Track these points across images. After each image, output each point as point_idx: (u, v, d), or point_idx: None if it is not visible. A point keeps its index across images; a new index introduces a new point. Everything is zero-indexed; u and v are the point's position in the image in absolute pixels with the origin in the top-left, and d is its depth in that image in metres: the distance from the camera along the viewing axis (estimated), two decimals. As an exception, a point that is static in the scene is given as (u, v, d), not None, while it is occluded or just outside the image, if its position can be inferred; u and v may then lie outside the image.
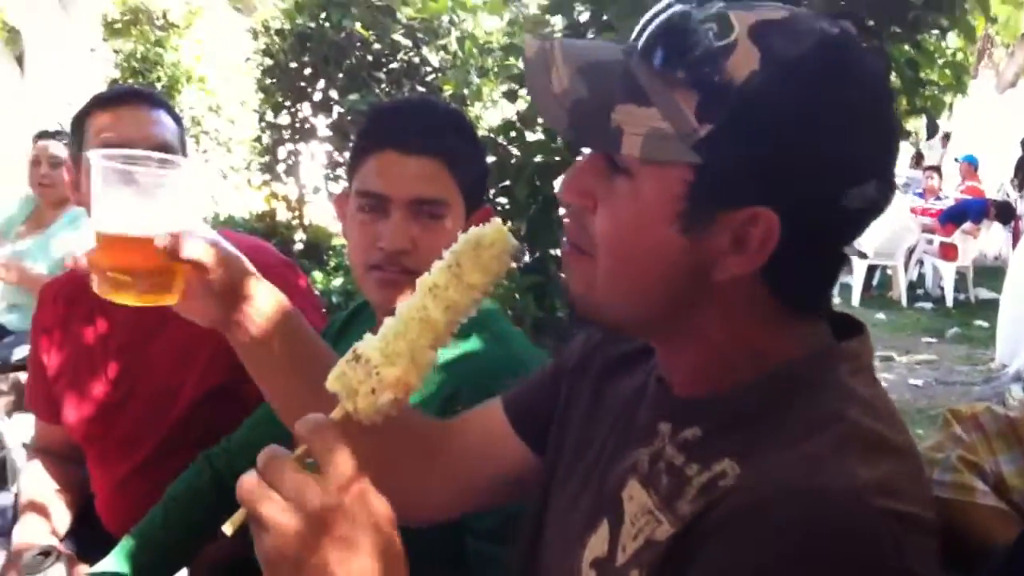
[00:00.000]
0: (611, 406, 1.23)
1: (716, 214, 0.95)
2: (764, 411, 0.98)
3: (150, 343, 2.18)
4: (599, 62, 1.00)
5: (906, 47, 3.03)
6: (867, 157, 0.97)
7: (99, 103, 2.16)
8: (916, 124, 3.98)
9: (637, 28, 1.01)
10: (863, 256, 11.59)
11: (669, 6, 0.97)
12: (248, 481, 0.88)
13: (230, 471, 1.99)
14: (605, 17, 3.16)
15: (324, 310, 3.61)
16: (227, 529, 0.91)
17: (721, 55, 0.92)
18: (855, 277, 11.71)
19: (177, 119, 2.24)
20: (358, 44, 6.81)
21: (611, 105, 0.95)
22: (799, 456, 0.90)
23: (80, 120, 2.17)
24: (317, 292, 4.91)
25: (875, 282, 12.32)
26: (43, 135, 4.75)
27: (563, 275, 1.10)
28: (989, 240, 13.21)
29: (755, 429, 0.97)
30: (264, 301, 1.28)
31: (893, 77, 2.93)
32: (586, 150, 1.07)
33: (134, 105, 2.15)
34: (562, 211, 1.08)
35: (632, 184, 0.97)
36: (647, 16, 0.99)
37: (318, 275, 5.41)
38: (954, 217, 11.97)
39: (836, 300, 11.77)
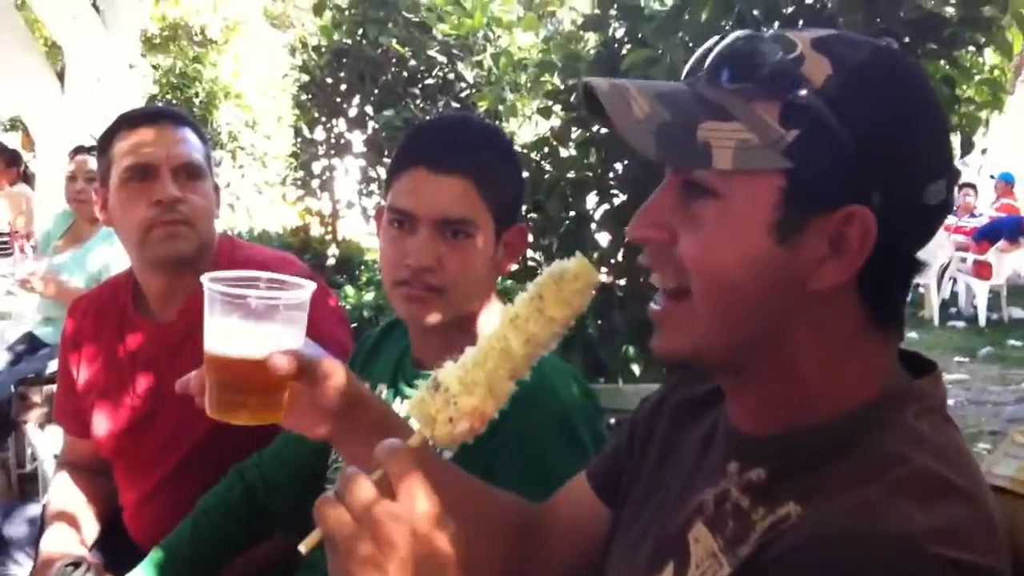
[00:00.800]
0: (682, 452, 1.22)
1: (811, 219, 0.96)
2: (831, 452, 0.98)
3: (178, 356, 2.18)
4: (671, 90, 1.02)
5: (942, 63, 3.03)
6: (938, 152, 1.01)
7: (124, 123, 2.19)
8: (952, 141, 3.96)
9: (693, 60, 1.05)
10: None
11: (726, 36, 1.01)
12: (326, 502, 0.92)
13: (262, 484, 2.00)
14: (640, 35, 3.18)
15: (355, 324, 3.63)
16: (303, 548, 0.94)
17: (793, 65, 0.96)
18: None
19: (203, 137, 2.26)
20: (394, 60, 6.84)
21: (695, 124, 0.97)
22: (859, 500, 0.90)
23: (107, 140, 2.19)
24: (349, 307, 4.95)
25: (907, 300, 12.21)
26: (79, 150, 4.79)
27: (657, 339, 1.07)
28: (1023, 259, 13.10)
29: (819, 471, 0.97)
30: (371, 416, 1.28)
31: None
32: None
33: (159, 124, 2.17)
34: (641, 259, 1.08)
35: (720, 203, 0.97)
36: (704, 48, 1.03)
37: (350, 290, 5.43)
38: (988, 235, 11.84)
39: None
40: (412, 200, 1.69)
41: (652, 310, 1.07)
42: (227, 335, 1.16)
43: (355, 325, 3.66)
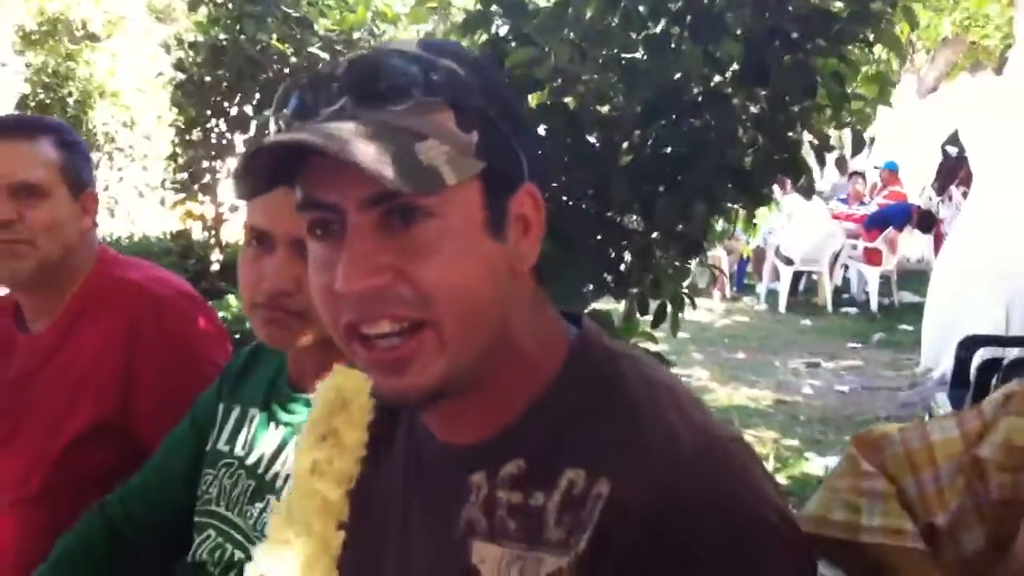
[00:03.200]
0: (385, 500, 1.17)
1: (507, 206, 1.01)
2: (574, 411, 1.03)
3: (42, 371, 2.11)
4: (357, 127, 0.94)
5: (830, 60, 3.00)
6: None
7: None
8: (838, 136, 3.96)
9: (304, 96, 1.00)
10: (789, 263, 11.75)
11: (336, 67, 1.00)
12: None
13: (127, 521, 1.86)
14: (525, 32, 3.07)
15: (238, 335, 3.46)
16: None
17: (440, 71, 0.98)
18: (782, 283, 11.86)
19: (67, 144, 2.15)
20: (275, 57, 6.68)
21: (412, 149, 0.94)
22: (652, 444, 0.97)
23: None
24: (231, 317, 4.75)
25: (801, 288, 12.46)
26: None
27: (399, 380, 0.99)
28: (912, 244, 13.43)
29: (577, 431, 1.02)
30: None
31: (820, 92, 2.90)
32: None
33: (2, 139, 2.08)
34: (349, 317, 0.98)
35: (438, 221, 0.95)
36: (320, 79, 0.99)
37: (233, 300, 5.22)
38: (878, 222, 12.16)
39: (763, 307, 11.91)
40: (267, 219, 1.56)
41: (381, 359, 0.98)
42: None
43: (238, 336, 3.50)
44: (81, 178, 2.16)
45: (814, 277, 12.37)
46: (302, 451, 0.96)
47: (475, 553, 1.03)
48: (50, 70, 10.15)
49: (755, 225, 10.19)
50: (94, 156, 10.39)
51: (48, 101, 9.79)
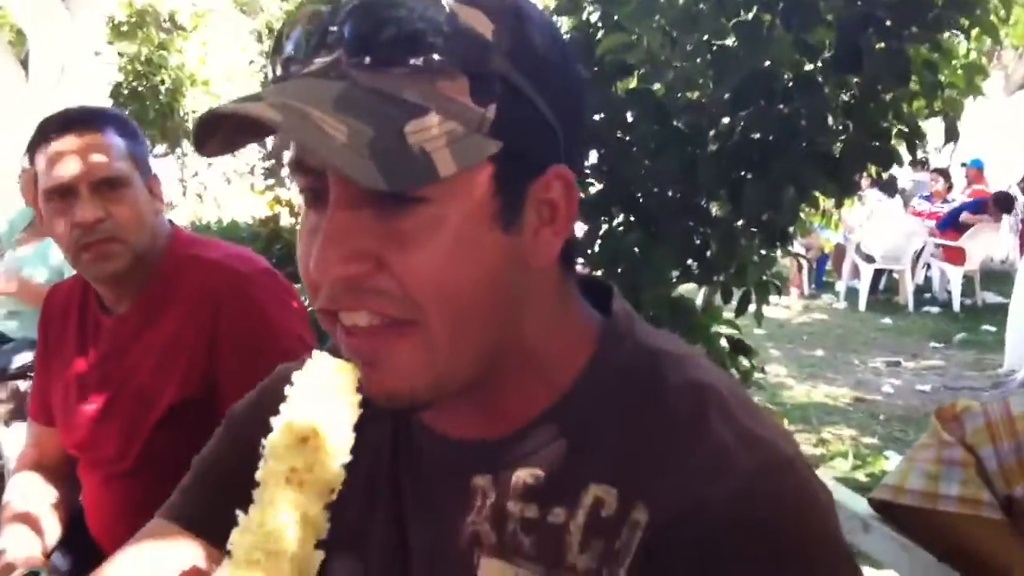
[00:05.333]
0: (368, 493, 1.02)
1: (526, 192, 0.85)
2: (599, 418, 0.89)
3: (128, 351, 2.14)
4: (339, 95, 0.79)
5: (924, 49, 2.98)
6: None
7: (41, 135, 2.09)
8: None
9: (299, 37, 0.84)
10: (870, 260, 11.57)
11: (343, 6, 0.82)
12: None
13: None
14: (616, 18, 3.11)
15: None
16: None
17: (456, 25, 0.80)
18: (862, 281, 11.68)
19: (129, 133, 2.15)
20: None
21: (401, 130, 0.77)
22: (698, 464, 0.83)
23: (31, 152, 2.11)
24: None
25: (881, 286, 12.28)
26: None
27: (376, 377, 0.85)
28: (997, 244, 13.15)
29: (603, 441, 0.88)
30: None
31: (913, 80, 2.89)
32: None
33: (74, 134, 2.06)
34: (322, 304, 0.84)
35: (433, 209, 0.80)
36: (322, 22, 0.83)
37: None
38: (952, 222, 11.92)
39: (843, 305, 11.76)
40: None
41: (360, 347, 0.85)
42: None
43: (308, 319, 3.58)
44: (146, 162, 2.17)
45: (895, 275, 12.17)
46: (277, 456, 0.79)
47: (483, 570, 0.91)
48: (143, 59, 10.37)
49: (837, 221, 10.10)
50: (184, 143, 10.63)
51: (140, 89, 9.99)
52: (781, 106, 2.95)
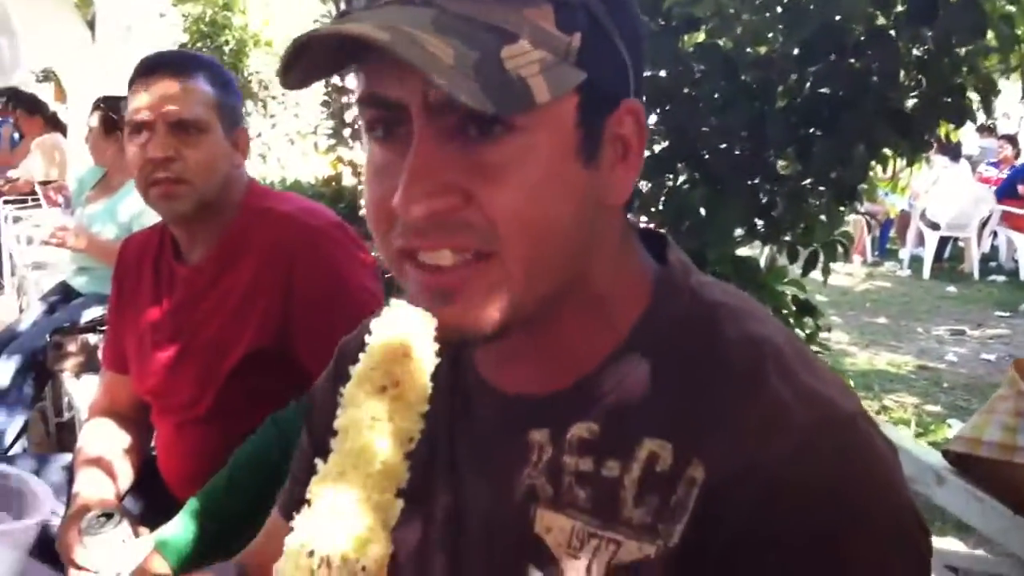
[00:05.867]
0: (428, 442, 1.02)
1: (604, 127, 0.86)
2: (654, 371, 0.89)
3: (202, 300, 2.20)
4: (433, 19, 0.78)
5: (1000, 2, 2.91)
6: None
7: (135, 74, 2.17)
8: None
9: None
10: (935, 227, 11.39)
11: None
12: None
13: (298, 434, 1.96)
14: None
15: (388, 275, 3.60)
16: None
17: None
18: (927, 249, 11.52)
19: (222, 83, 2.21)
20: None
21: (497, 54, 0.77)
22: (755, 420, 0.81)
23: (129, 87, 2.18)
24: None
25: (946, 254, 12.09)
26: (98, 104, 4.75)
27: (452, 310, 0.84)
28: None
29: (658, 395, 0.87)
30: None
31: (989, 34, 2.82)
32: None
33: (161, 77, 2.13)
34: (403, 243, 0.85)
35: (522, 139, 0.80)
36: None
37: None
38: (1010, 188, 11.68)
39: (907, 272, 11.60)
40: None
41: (435, 284, 0.84)
42: None
43: (388, 275, 3.61)
44: (234, 114, 2.23)
45: (960, 243, 11.98)
46: (358, 405, 0.79)
47: (539, 522, 0.91)
48: (207, 19, 10.46)
49: (904, 186, 9.94)
50: (248, 104, 10.71)
51: (204, 50, 10.07)
52: (852, 60, 2.89)
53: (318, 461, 0.76)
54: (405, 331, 0.80)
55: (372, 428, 0.78)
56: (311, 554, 0.73)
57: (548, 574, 0.90)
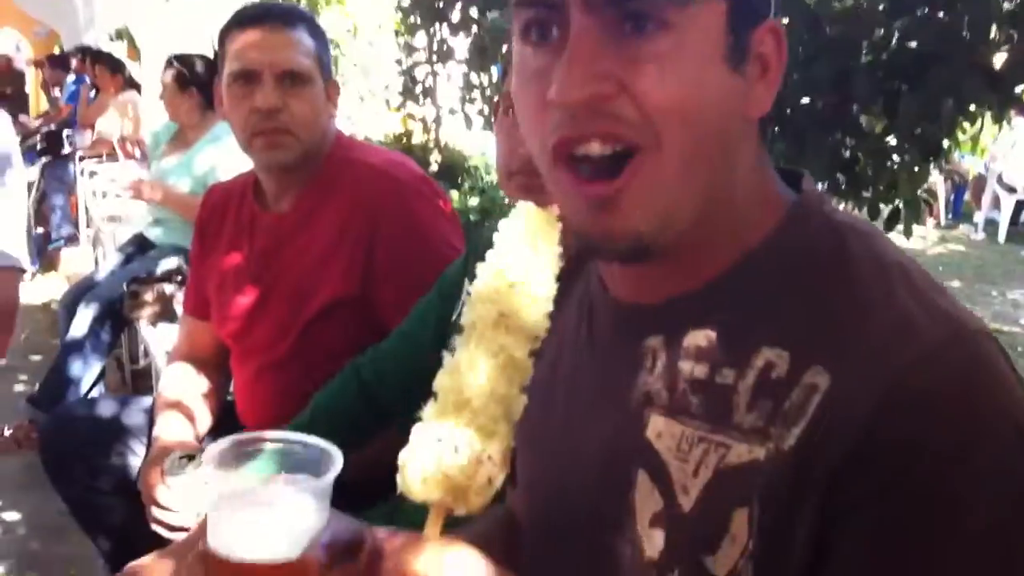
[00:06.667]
0: (562, 345, 1.06)
1: (750, 39, 0.88)
2: (778, 284, 0.89)
3: (287, 247, 2.22)
4: None
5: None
6: None
7: (235, 23, 2.18)
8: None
9: None
10: (1012, 191, 11.15)
11: None
12: None
13: (377, 380, 1.99)
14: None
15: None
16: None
17: None
18: (1002, 212, 11.28)
19: (319, 35, 2.22)
20: (497, -38, 6.69)
21: None
22: (883, 330, 0.81)
23: (222, 38, 2.20)
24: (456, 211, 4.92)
25: (1023, 218, 11.82)
26: (170, 61, 4.80)
27: (611, 219, 0.87)
28: None
29: (780, 306, 0.88)
30: None
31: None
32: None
33: (266, 27, 2.14)
34: (564, 131, 0.86)
35: (674, 35, 0.83)
36: None
37: (455, 195, 5.39)
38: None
39: (981, 236, 11.37)
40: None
41: (589, 192, 0.87)
42: (237, 534, 0.88)
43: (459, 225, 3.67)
44: (328, 67, 2.24)
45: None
46: (486, 301, 0.81)
47: (651, 427, 0.92)
48: (278, -23, 10.47)
49: (984, 148, 9.72)
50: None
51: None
52: (941, 14, 2.83)
53: (445, 354, 0.80)
54: (532, 229, 0.84)
55: (499, 325, 0.80)
56: (440, 441, 0.78)
57: (656, 477, 0.91)
